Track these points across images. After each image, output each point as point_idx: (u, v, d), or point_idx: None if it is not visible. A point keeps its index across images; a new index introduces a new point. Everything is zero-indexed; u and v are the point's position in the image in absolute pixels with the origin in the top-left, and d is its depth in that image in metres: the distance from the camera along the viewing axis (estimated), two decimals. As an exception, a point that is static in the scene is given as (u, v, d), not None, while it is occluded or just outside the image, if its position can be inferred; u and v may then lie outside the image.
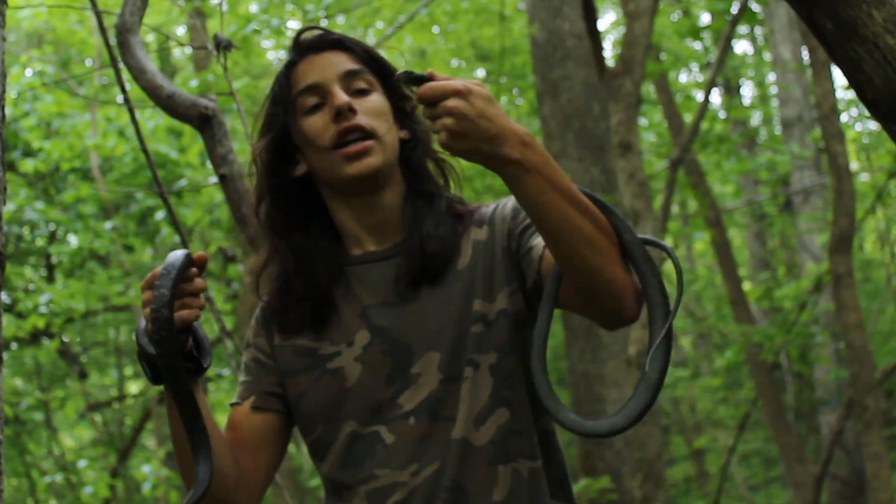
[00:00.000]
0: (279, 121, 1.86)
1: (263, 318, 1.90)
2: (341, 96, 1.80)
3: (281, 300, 1.86)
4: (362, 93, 1.83)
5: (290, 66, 1.87)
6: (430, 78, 1.59)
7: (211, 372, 9.64)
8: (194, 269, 1.70)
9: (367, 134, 1.80)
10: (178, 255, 1.68)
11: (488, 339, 1.79)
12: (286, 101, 1.85)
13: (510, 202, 1.87)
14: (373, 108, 1.82)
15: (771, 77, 13.02)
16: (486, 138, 1.58)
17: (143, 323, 1.73)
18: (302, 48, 1.87)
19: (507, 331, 1.80)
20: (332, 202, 1.88)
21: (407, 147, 1.89)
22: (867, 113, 2.26)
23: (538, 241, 1.78)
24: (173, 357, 1.66)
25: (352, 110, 1.80)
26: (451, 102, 1.57)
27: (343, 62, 1.84)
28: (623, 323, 1.71)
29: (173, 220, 3.24)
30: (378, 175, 1.82)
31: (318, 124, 1.82)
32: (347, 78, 1.83)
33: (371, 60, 1.86)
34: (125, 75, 2.98)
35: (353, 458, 1.80)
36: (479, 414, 1.77)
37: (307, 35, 1.88)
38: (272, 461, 1.87)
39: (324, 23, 9.23)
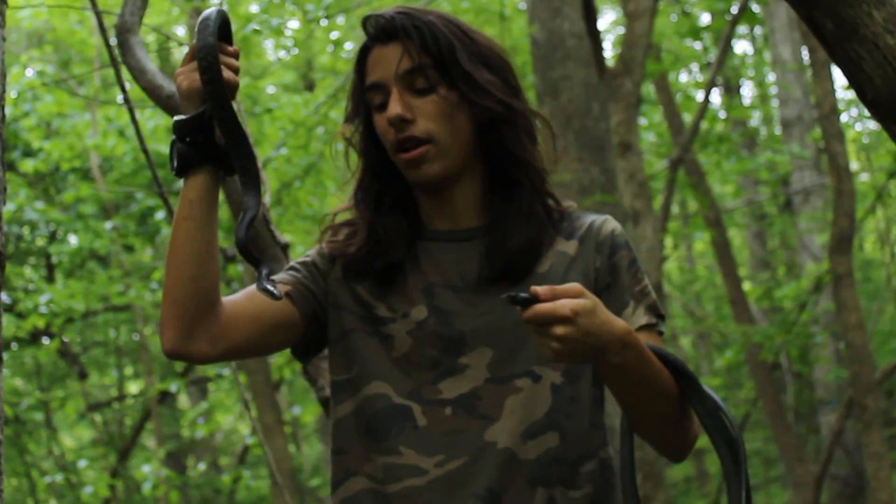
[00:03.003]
0: (360, 109, 1.84)
1: (330, 252, 1.86)
2: (394, 107, 1.75)
3: (355, 253, 1.83)
4: (423, 92, 1.77)
5: (363, 52, 1.83)
6: (535, 298, 1.56)
7: (211, 371, 9.64)
8: (235, 48, 1.74)
9: (424, 140, 1.76)
10: (212, 9, 1.72)
11: None
12: (361, 93, 1.83)
13: (608, 228, 1.83)
14: (432, 111, 1.76)
15: (771, 77, 13.02)
16: (592, 351, 1.58)
17: (176, 116, 1.75)
18: (371, 35, 1.82)
19: None
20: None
21: (488, 129, 1.81)
22: (867, 113, 2.26)
23: (629, 320, 1.78)
24: (218, 78, 1.67)
25: (405, 120, 1.75)
26: (560, 330, 1.54)
27: (405, 59, 1.77)
28: (672, 460, 1.82)
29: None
30: (440, 179, 1.79)
31: (382, 125, 1.79)
32: (407, 77, 1.77)
33: (438, 50, 1.77)
34: (125, 75, 2.98)
35: (380, 426, 1.77)
36: (529, 428, 1.73)
37: (374, 20, 1.81)
38: (258, 340, 1.80)
39: (324, 23, 9.23)
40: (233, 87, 1.72)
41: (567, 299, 1.55)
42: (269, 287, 1.66)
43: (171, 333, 1.72)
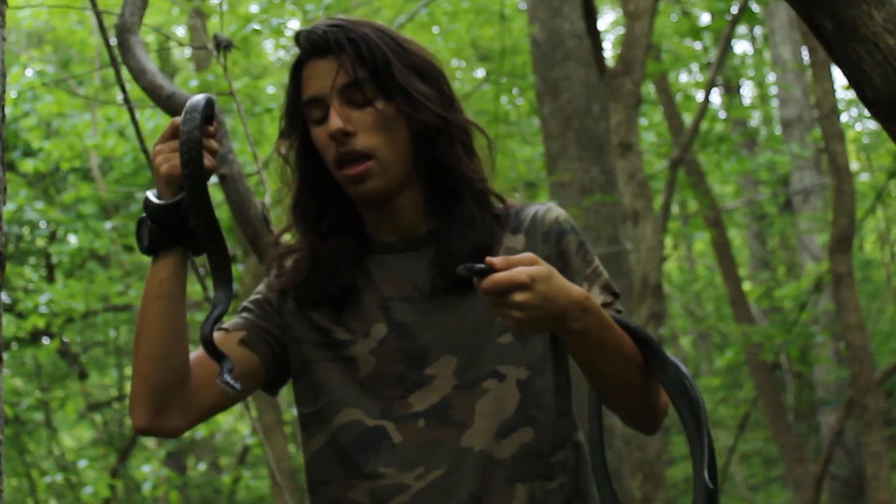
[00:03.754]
0: (296, 124, 1.83)
1: (280, 285, 1.85)
2: (335, 122, 1.75)
3: (304, 283, 1.82)
4: (361, 105, 1.76)
5: (298, 66, 1.82)
6: (492, 268, 1.57)
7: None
8: (214, 127, 1.73)
9: (366, 155, 1.76)
10: (200, 97, 1.72)
11: (520, 353, 1.77)
12: (298, 107, 1.82)
13: (552, 215, 1.84)
14: (372, 123, 1.76)
15: (771, 77, 13.01)
16: (554, 317, 1.60)
17: (149, 194, 1.74)
18: (307, 48, 1.81)
19: (541, 349, 1.79)
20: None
21: (424, 140, 1.80)
22: (867, 113, 2.26)
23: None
24: (200, 173, 1.68)
25: (347, 134, 1.75)
26: (519, 297, 1.56)
27: (343, 72, 1.76)
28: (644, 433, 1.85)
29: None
30: (383, 194, 1.79)
31: (322, 139, 1.78)
32: (346, 91, 1.76)
33: (375, 63, 1.76)
34: (125, 75, 2.98)
35: (358, 450, 1.77)
36: (501, 427, 1.75)
37: (310, 34, 1.80)
38: (226, 398, 1.81)
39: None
40: (210, 171, 1.72)
41: (523, 267, 1.57)
42: (230, 380, 1.66)
43: (142, 412, 1.73)
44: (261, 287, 1.89)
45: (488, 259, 1.57)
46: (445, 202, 1.81)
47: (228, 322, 1.85)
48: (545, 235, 1.82)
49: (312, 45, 1.80)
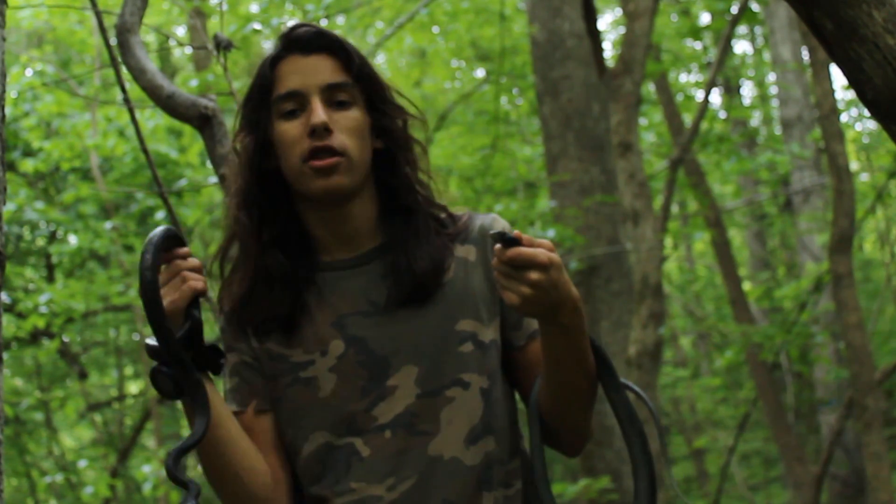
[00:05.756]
0: (259, 117, 1.83)
1: (237, 321, 1.84)
2: (319, 115, 1.76)
3: (250, 308, 1.82)
4: (342, 105, 1.80)
5: (275, 60, 1.83)
6: (519, 241, 1.61)
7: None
8: (186, 249, 1.71)
9: (339, 152, 1.77)
10: (158, 229, 1.70)
11: (481, 361, 1.79)
12: (266, 99, 1.82)
13: (498, 226, 1.87)
14: (349, 126, 1.79)
15: (771, 77, 13.01)
16: (552, 306, 1.64)
17: (149, 339, 1.72)
18: (290, 45, 1.82)
19: (496, 360, 1.82)
20: (301, 206, 1.84)
21: (381, 159, 1.85)
22: (867, 113, 2.26)
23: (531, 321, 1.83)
24: (160, 315, 1.65)
25: (327, 129, 1.76)
26: (535, 275, 1.60)
27: (328, 72, 1.80)
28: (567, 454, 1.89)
29: (173, 220, 3.23)
30: (345, 193, 1.80)
31: (292, 133, 1.79)
32: (330, 90, 1.79)
33: (359, 71, 1.82)
34: (125, 75, 2.98)
35: (330, 471, 1.78)
36: (470, 434, 1.77)
37: (299, 31, 1.82)
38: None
39: (323, 22, 9.23)
40: (199, 292, 1.71)
41: (544, 250, 1.62)
42: None
43: None
44: (228, 342, 1.87)
45: (517, 232, 1.62)
46: (400, 217, 1.84)
47: (231, 399, 1.84)
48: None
49: (302, 41, 1.81)
